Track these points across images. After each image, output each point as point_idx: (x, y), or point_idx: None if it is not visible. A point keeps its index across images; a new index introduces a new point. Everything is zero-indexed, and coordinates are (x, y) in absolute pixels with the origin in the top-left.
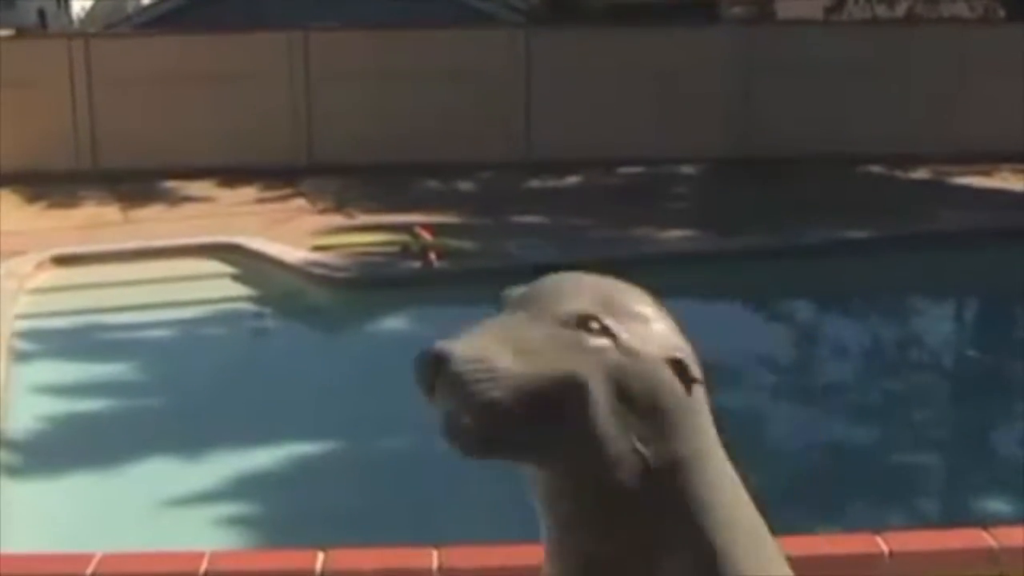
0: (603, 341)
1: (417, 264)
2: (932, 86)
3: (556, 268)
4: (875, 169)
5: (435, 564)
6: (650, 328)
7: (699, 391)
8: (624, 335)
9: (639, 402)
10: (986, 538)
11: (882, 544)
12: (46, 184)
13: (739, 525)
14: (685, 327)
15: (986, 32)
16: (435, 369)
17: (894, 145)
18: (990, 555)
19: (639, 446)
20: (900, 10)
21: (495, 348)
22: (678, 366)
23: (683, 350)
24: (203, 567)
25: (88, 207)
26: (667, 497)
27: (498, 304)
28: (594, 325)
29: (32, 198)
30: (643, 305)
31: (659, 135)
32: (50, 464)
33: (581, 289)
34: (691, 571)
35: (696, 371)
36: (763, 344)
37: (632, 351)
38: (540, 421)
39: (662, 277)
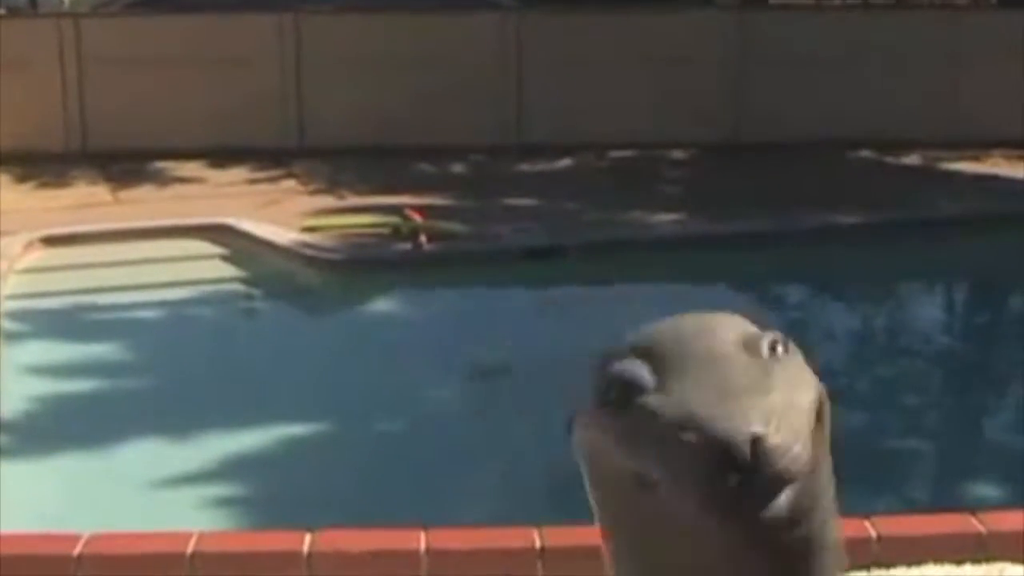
0: (796, 357)
1: (407, 246)
2: (924, 71)
3: (547, 252)
4: (867, 154)
5: (423, 546)
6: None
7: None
8: (791, 347)
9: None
10: (974, 523)
11: (870, 528)
12: (35, 164)
13: None
14: (677, 311)
15: (978, 18)
16: (747, 457)
17: (886, 130)
18: (978, 540)
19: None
20: None
21: (755, 403)
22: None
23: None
24: (190, 547)
25: (78, 187)
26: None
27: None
28: (775, 346)
29: (21, 178)
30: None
31: (651, 119)
32: (38, 444)
33: (710, 321)
34: None
35: None
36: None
37: (804, 365)
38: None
39: (653, 261)
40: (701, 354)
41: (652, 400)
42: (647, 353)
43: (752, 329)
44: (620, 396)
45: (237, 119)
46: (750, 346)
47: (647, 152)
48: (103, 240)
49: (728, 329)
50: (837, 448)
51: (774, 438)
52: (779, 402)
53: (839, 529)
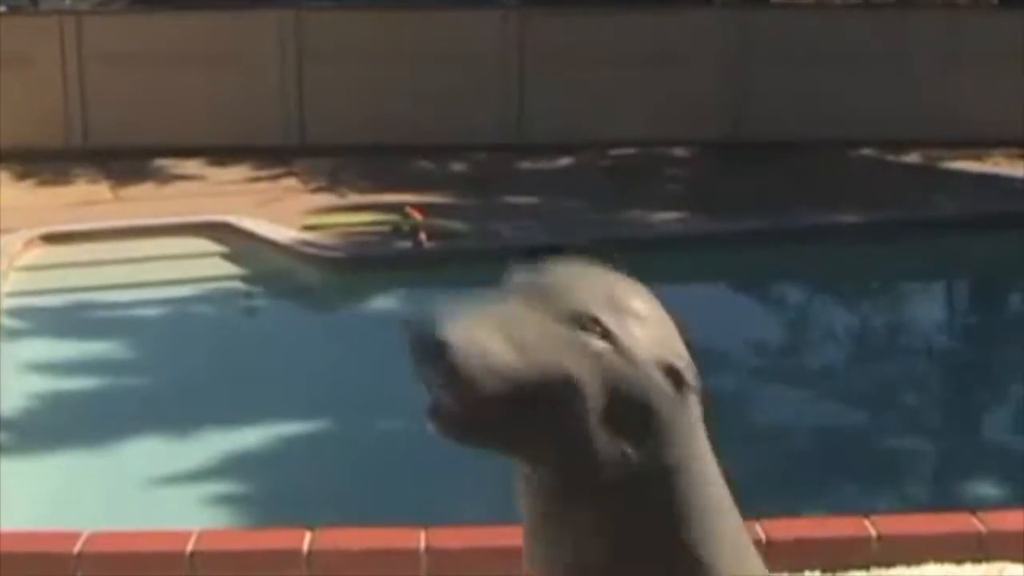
0: (601, 344)
1: (408, 244)
2: (925, 70)
3: (548, 250)
4: (867, 153)
5: (423, 544)
6: (650, 331)
7: (693, 399)
8: (623, 338)
9: (631, 407)
10: (974, 523)
11: (870, 528)
12: (36, 162)
13: (725, 538)
14: (676, 310)
15: (979, 17)
16: (432, 350)
17: (887, 129)
18: (979, 539)
19: (627, 451)
20: None
21: (491, 333)
22: (673, 373)
23: (681, 356)
24: (190, 546)
25: (79, 185)
26: (652, 505)
27: (501, 285)
28: (595, 327)
29: (22, 176)
30: (645, 306)
31: (652, 118)
32: (38, 442)
33: (585, 285)
34: None
35: (692, 379)
36: (753, 327)
37: (629, 355)
38: (526, 415)
39: (654, 259)
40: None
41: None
42: (528, 278)
43: (587, 307)
44: None
45: (238, 117)
46: (571, 315)
47: (648, 151)
48: (103, 238)
49: (576, 293)
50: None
51: (459, 347)
52: (507, 341)
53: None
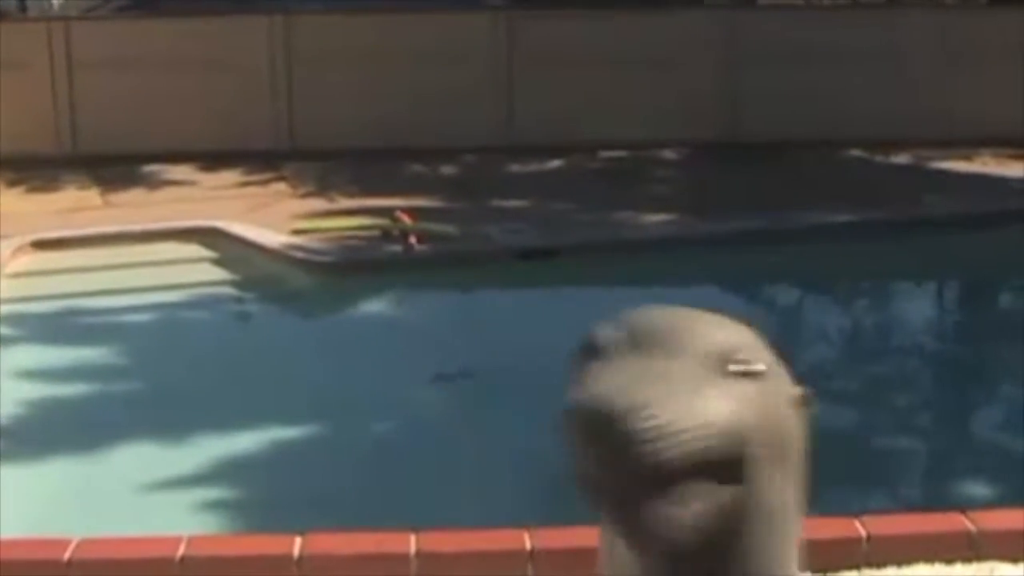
0: (749, 386)
1: (398, 248)
2: (914, 70)
3: (538, 253)
4: (858, 153)
5: (413, 549)
6: (774, 365)
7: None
8: (764, 377)
9: (780, 452)
10: (965, 522)
11: (860, 528)
12: (26, 168)
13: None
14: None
15: (968, 17)
16: (605, 425)
17: (877, 129)
18: (969, 539)
19: (776, 495)
20: None
21: (657, 396)
22: (803, 402)
23: (796, 382)
24: (180, 552)
25: (68, 191)
26: (780, 541)
27: (588, 351)
28: (735, 366)
29: (12, 182)
30: (755, 336)
31: (642, 120)
32: (27, 448)
33: (698, 323)
34: None
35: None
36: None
37: (770, 394)
38: (710, 485)
39: (645, 261)
40: (658, 345)
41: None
42: (625, 329)
43: (728, 345)
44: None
45: (228, 122)
46: (711, 359)
47: (638, 152)
48: (93, 244)
49: (703, 335)
50: (821, 446)
51: (642, 419)
52: (677, 401)
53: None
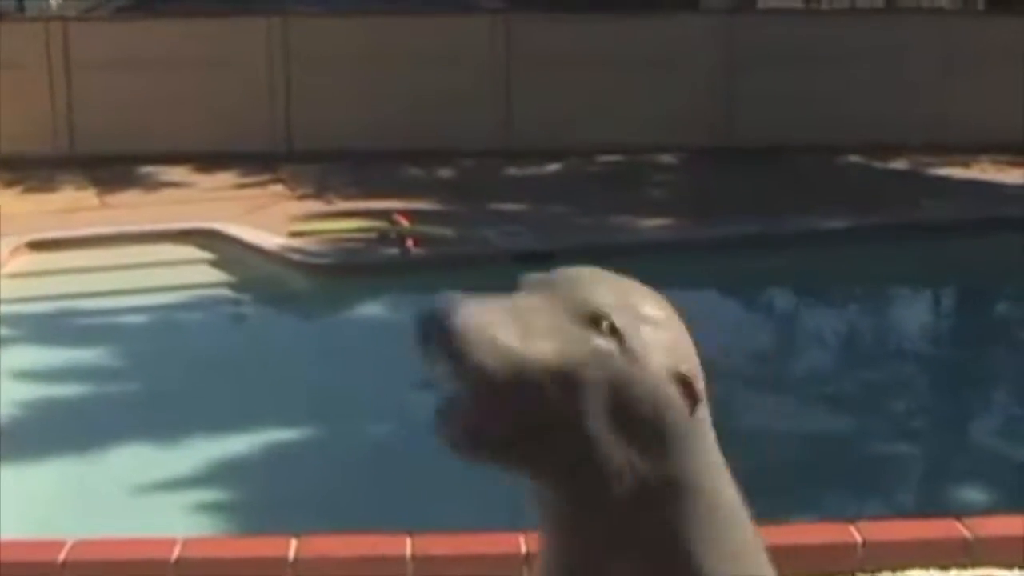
0: (610, 344)
1: (395, 251)
2: (913, 76)
3: (535, 256)
4: (855, 159)
5: (409, 551)
6: (661, 337)
7: (702, 410)
8: (633, 341)
9: (638, 414)
10: (960, 528)
11: (856, 534)
12: (23, 169)
13: (739, 557)
14: (688, 319)
15: (967, 23)
16: (437, 328)
17: (875, 135)
18: (964, 545)
19: (634, 460)
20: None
21: (502, 321)
22: (684, 382)
23: (693, 366)
24: (175, 554)
25: (65, 192)
26: (660, 520)
27: (513, 288)
28: (605, 325)
29: (9, 183)
30: (659, 311)
31: (640, 123)
32: (22, 449)
33: (598, 285)
34: None
35: (701, 388)
36: (742, 332)
37: (638, 359)
38: (532, 413)
39: (642, 265)
40: (550, 288)
41: None
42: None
43: (599, 306)
44: None
45: (225, 123)
46: (580, 311)
47: (635, 156)
48: (90, 245)
49: (587, 290)
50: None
51: (469, 328)
52: (516, 330)
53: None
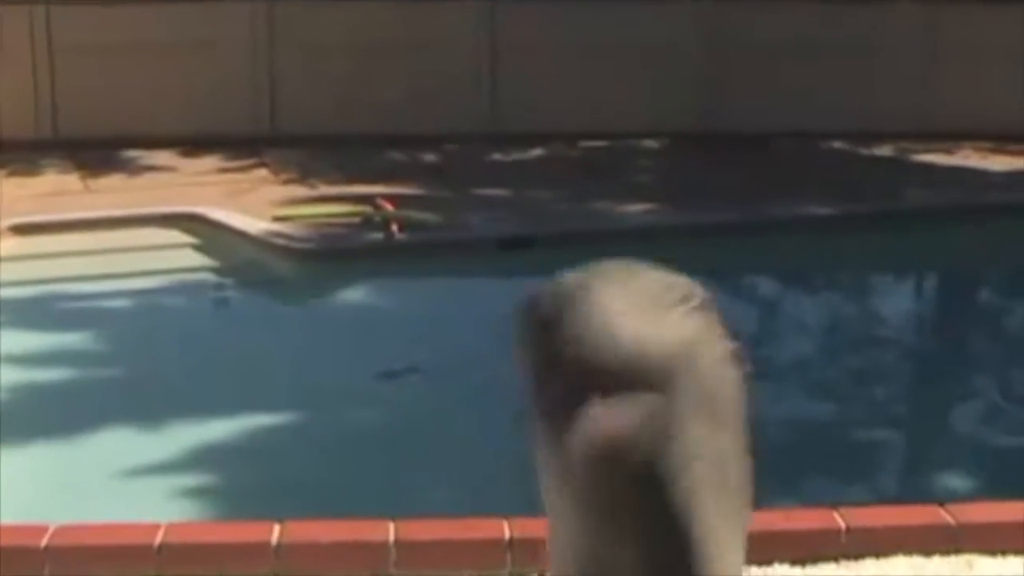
0: (700, 321)
1: (379, 236)
2: (897, 63)
3: (519, 241)
4: (839, 145)
5: (392, 537)
6: (718, 316)
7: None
8: (710, 318)
9: (714, 396)
10: (943, 515)
11: (839, 520)
12: (5, 153)
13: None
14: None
15: (953, 10)
16: (563, 322)
17: (858, 121)
18: (947, 532)
19: (705, 444)
20: None
21: (624, 310)
22: (737, 358)
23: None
24: (158, 539)
25: (49, 176)
26: (717, 501)
27: (560, 279)
28: (691, 305)
29: None
30: (705, 295)
31: (624, 109)
32: (6, 434)
33: (660, 272)
34: None
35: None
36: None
37: (715, 337)
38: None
39: (625, 251)
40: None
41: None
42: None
43: (679, 282)
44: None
45: (209, 107)
46: (665, 290)
47: (619, 142)
48: (74, 229)
49: (658, 274)
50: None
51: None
52: (641, 315)
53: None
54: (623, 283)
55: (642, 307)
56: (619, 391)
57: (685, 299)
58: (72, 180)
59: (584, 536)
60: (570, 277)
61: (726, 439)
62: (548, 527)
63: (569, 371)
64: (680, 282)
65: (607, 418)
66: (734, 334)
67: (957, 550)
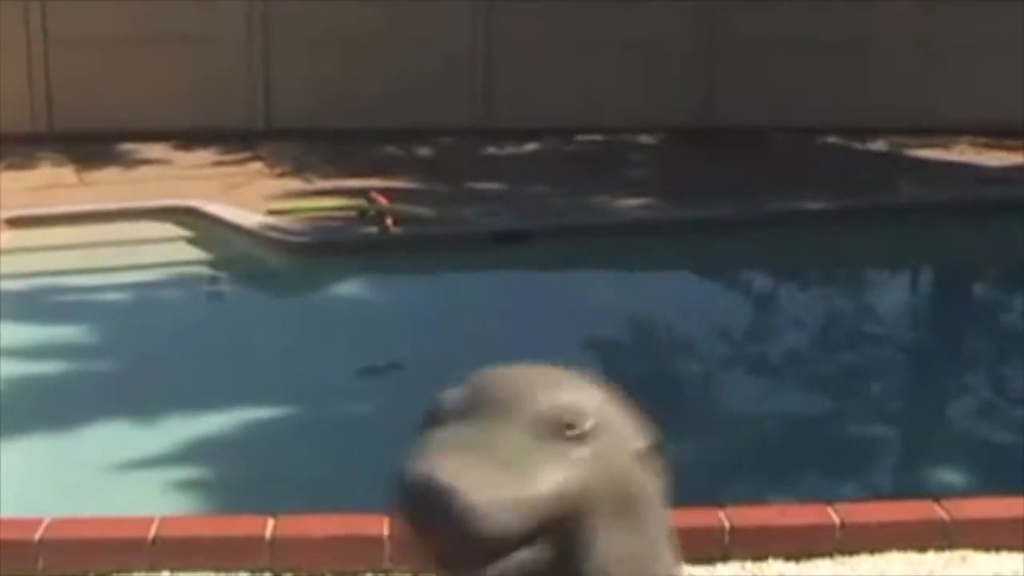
0: (583, 449)
1: (373, 230)
2: (892, 57)
3: (514, 235)
4: (834, 140)
5: (386, 531)
6: (617, 419)
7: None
8: (604, 436)
9: (625, 502)
10: (937, 510)
11: (833, 515)
12: (0, 146)
13: None
14: (641, 296)
15: (948, 6)
16: (433, 503)
17: (854, 116)
18: (941, 527)
19: (623, 539)
20: None
21: (489, 471)
22: (648, 455)
23: (646, 433)
24: (152, 532)
25: (43, 169)
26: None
27: (431, 415)
28: (576, 432)
29: None
30: (599, 392)
31: (619, 104)
32: (1, 427)
33: (541, 388)
34: None
35: (659, 453)
36: (719, 314)
37: (613, 452)
38: (541, 543)
39: (620, 245)
40: (495, 410)
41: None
42: (465, 396)
43: (558, 408)
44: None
45: (204, 101)
46: (543, 424)
47: (614, 137)
48: (68, 222)
49: (538, 399)
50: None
51: (471, 496)
52: (507, 473)
53: None
54: (493, 426)
55: (513, 459)
56: (505, 544)
57: (563, 428)
58: (67, 173)
59: None
60: (433, 442)
61: (641, 537)
62: None
63: (446, 554)
64: (561, 406)
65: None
66: (646, 428)
67: (951, 546)
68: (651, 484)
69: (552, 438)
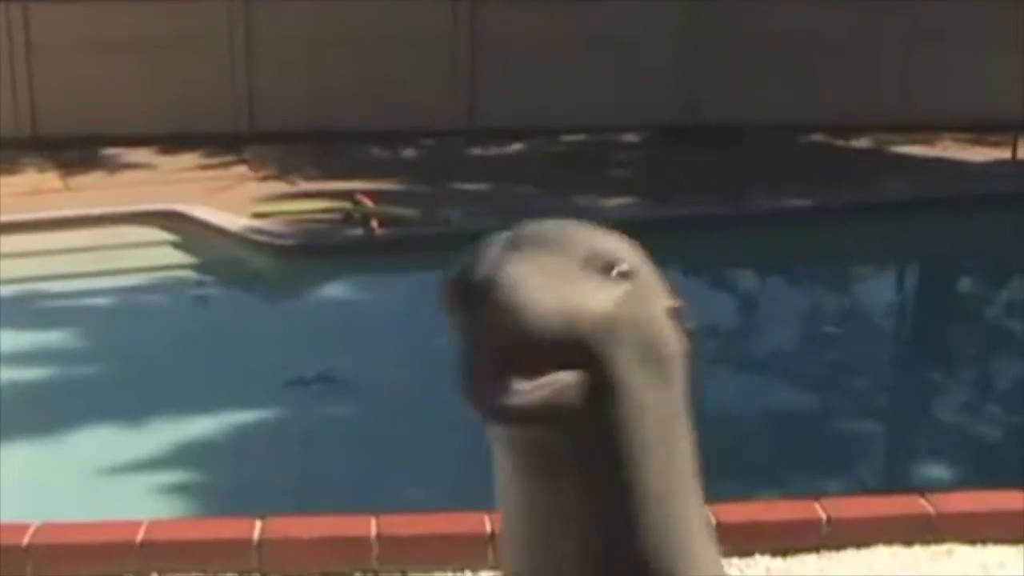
0: (629, 288)
1: (359, 231)
2: (876, 55)
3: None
4: (819, 138)
5: (374, 532)
6: (652, 276)
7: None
8: (641, 283)
9: (655, 353)
10: (923, 504)
11: (820, 510)
12: None
13: (695, 489)
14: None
15: (935, 4)
16: (492, 293)
17: (838, 114)
18: (927, 521)
19: (649, 398)
20: None
21: (543, 277)
22: (678, 316)
23: (679, 301)
24: (140, 536)
25: (28, 174)
26: (668, 453)
27: (488, 247)
28: (616, 271)
29: None
30: (637, 252)
31: (604, 103)
32: None
33: (589, 233)
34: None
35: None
36: (705, 311)
37: (648, 299)
38: (580, 378)
39: None
40: (544, 245)
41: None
42: (512, 237)
43: (604, 248)
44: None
45: (188, 105)
46: (590, 260)
47: (599, 136)
48: (53, 227)
49: (584, 240)
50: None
51: (528, 293)
52: (559, 284)
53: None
54: (547, 253)
55: (564, 277)
56: (543, 361)
57: (609, 266)
58: (51, 178)
59: (529, 517)
60: (494, 248)
61: (668, 397)
62: (501, 521)
63: (493, 346)
64: (607, 248)
65: (532, 390)
66: (677, 295)
67: (938, 539)
68: (678, 345)
69: (598, 273)
